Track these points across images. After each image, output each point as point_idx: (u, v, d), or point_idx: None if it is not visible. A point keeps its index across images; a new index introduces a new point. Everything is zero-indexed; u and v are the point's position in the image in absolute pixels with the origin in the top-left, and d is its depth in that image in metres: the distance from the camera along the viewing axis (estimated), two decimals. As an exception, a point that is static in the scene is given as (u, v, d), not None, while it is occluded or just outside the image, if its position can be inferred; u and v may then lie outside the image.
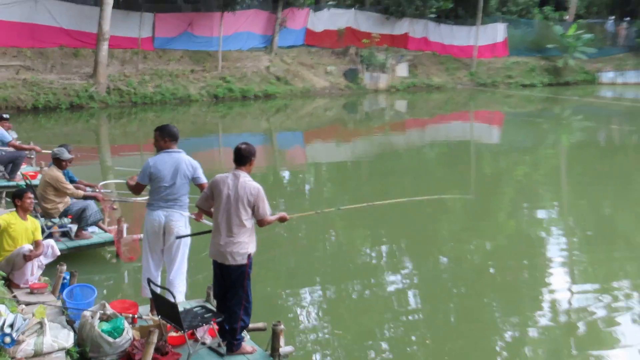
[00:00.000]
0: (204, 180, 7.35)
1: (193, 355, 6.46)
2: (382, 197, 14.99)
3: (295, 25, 37.82)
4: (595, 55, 44.85)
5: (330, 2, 43.56)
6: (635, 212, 14.83)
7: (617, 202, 15.65)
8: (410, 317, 8.81)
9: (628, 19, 49.33)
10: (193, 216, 7.50)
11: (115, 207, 11.45)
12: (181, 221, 7.30)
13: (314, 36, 38.76)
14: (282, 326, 6.55)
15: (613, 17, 50.62)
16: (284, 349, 6.61)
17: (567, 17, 47.71)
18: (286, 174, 18.70)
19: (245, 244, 6.56)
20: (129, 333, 6.48)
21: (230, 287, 6.62)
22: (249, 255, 6.59)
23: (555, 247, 12.12)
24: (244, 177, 6.60)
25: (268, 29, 36.43)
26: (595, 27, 47.92)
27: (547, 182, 18.30)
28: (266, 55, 35.82)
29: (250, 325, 6.95)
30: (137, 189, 7.50)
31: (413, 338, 8.13)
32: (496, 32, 44.24)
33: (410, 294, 9.65)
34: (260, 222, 6.68)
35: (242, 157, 6.67)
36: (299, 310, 8.80)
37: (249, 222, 6.59)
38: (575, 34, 43.32)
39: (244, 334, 6.81)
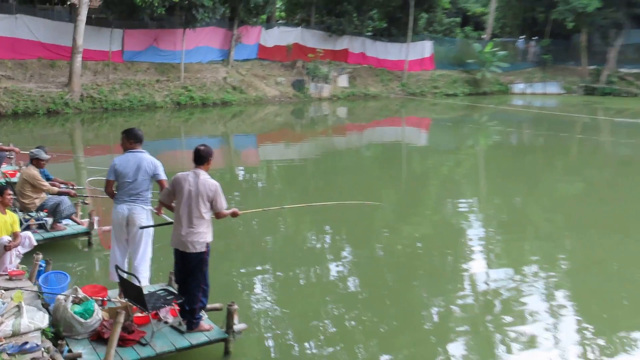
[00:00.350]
0: (163, 177, 7.32)
1: (156, 333, 6.40)
2: (326, 193, 15.11)
3: (249, 41, 37.60)
4: (508, 69, 45.61)
5: (280, 21, 43.49)
6: (541, 203, 15.11)
7: (527, 194, 15.92)
8: (350, 297, 8.83)
9: (536, 38, 50.30)
10: (155, 210, 7.44)
11: (87, 202, 11.26)
12: (143, 214, 7.24)
13: (265, 51, 38.58)
14: (235, 306, 6.54)
15: (523, 37, 51.54)
16: (238, 326, 6.60)
17: (485, 36, 48.44)
18: (241, 172, 18.59)
19: (204, 234, 6.57)
20: (99, 314, 6.40)
21: (190, 272, 6.59)
22: (207, 244, 6.62)
23: (475, 233, 12.27)
24: (204, 175, 6.61)
25: (225, 44, 36.14)
26: (508, 45, 48.72)
27: (467, 178, 18.52)
28: (223, 67, 35.52)
29: (208, 306, 6.92)
30: (107, 186, 7.42)
31: (352, 315, 8.14)
32: (424, 48, 44.65)
33: (350, 276, 9.67)
34: (217, 215, 6.71)
35: (201, 157, 6.68)
36: (252, 292, 8.75)
37: (207, 215, 6.61)
38: (492, 50, 43.97)
39: (202, 313, 6.77)
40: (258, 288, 8.93)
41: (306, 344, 7.21)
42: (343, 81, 39.62)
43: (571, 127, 29.27)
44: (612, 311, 8.52)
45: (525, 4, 49.30)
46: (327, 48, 40.33)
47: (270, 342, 7.26)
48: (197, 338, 6.48)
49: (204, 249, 6.55)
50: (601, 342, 7.52)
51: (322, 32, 40.56)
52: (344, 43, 41.55)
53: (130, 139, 7.33)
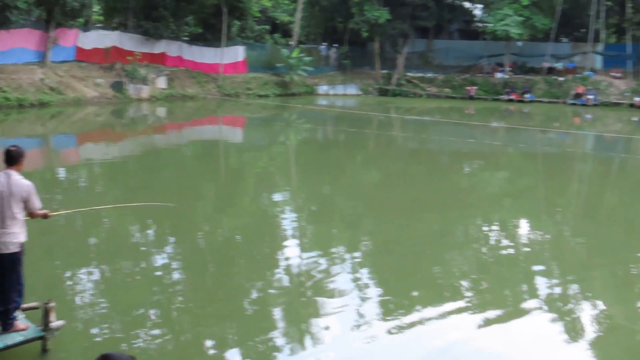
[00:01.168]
0: None
1: (-33, 338, 5.76)
2: (148, 190, 14.52)
3: (67, 43, 35.28)
4: (313, 72, 46.76)
5: (97, 25, 41.42)
6: (346, 192, 15.62)
7: (333, 184, 16.39)
8: (175, 286, 8.54)
9: (336, 45, 52.06)
10: None
11: None
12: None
13: (84, 53, 36.40)
14: (52, 303, 6.08)
15: (326, 44, 53.19)
16: (55, 323, 6.12)
17: (292, 42, 49.29)
18: (62, 172, 17.38)
19: (17, 234, 6.04)
20: None
21: (3, 273, 6.02)
22: (21, 244, 6.10)
23: (288, 222, 12.38)
24: (16, 176, 6.09)
25: (41, 46, 33.58)
26: (313, 51, 50.01)
27: (280, 172, 18.72)
28: (40, 68, 32.96)
29: (25, 305, 6.38)
30: None
31: (178, 303, 7.87)
32: (237, 53, 44.53)
33: (174, 267, 9.33)
34: (31, 215, 6.25)
35: (12, 158, 6.15)
36: (76, 288, 8.16)
37: (20, 215, 6.09)
38: (298, 56, 44.86)
39: (18, 313, 6.20)
40: (82, 284, 8.34)
41: (132, 334, 6.85)
42: (161, 83, 38.49)
43: (368, 124, 30.65)
44: (406, 282, 8.98)
45: (326, 15, 50.94)
46: (145, 51, 38.96)
47: (94, 336, 6.79)
48: (12, 338, 5.94)
49: (17, 249, 6.02)
50: (398, 309, 7.91)
51: (140, 35, 39.08)
52: (161, 47, 40.38)
53: None
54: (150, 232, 11.36)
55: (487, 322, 7.63)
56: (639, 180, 18.73)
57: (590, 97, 42.87)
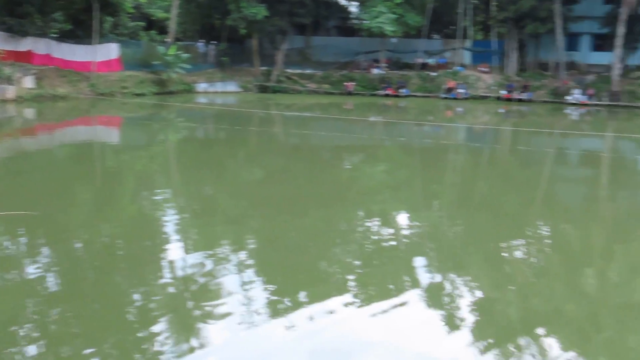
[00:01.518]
0: None
1: None
2: (15, 197, 13.74)
3: None
4: (191, 70, 46.07)
5: (-48, 21, 38.70)
6: (229, 190, 15.51)
7: (215, 183, 16.24)
8: (51, 297, 8.11)
9: (215, 42, 51.56)
10: None
11: None
12: None
13: (-61, 51, 34.00)
14: None
15: (203, 41, 52.56)
16: None
17: (168, 39, 48.23)
18: None
19: None
20: None
21: None
22: None
23: (171, 222, 12.10)
24: None
25: None
26: (191, 48, 49.25)
27: (160, 172, 18.30)
28: None
29: None
30: None
31: (55, 314, 7.49)
32: (111, 50, 42.99)
33: (49, 277, 8.87)
34: None
35: None
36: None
37: None
38: (175, 53, 44.01)
39: None
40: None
41: (3, 353, 6.46)
42: (29, 82, 36.46)
43: (249, 121, 30.57)
44: (291, 277, 9.07)
45: (203, 11, 50.33)
46: (10, 49, 36.84)
47: (-39, 356, 6.37)
48: None
49: None
50: (283, 302, 7.97)
51: (3, 32, 36.87)
52: (27, 44, 38.27)
53: None
54: (21, 240, 10.72)
55: (370, 311, 7.85)
56: (506, 169, 19.95)
57: (461, 91, 45.22)
